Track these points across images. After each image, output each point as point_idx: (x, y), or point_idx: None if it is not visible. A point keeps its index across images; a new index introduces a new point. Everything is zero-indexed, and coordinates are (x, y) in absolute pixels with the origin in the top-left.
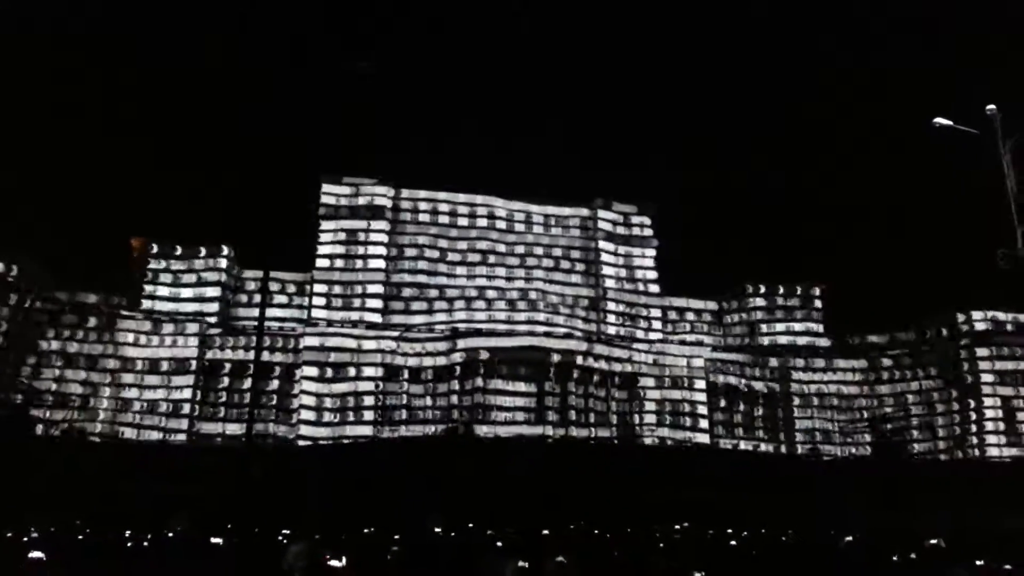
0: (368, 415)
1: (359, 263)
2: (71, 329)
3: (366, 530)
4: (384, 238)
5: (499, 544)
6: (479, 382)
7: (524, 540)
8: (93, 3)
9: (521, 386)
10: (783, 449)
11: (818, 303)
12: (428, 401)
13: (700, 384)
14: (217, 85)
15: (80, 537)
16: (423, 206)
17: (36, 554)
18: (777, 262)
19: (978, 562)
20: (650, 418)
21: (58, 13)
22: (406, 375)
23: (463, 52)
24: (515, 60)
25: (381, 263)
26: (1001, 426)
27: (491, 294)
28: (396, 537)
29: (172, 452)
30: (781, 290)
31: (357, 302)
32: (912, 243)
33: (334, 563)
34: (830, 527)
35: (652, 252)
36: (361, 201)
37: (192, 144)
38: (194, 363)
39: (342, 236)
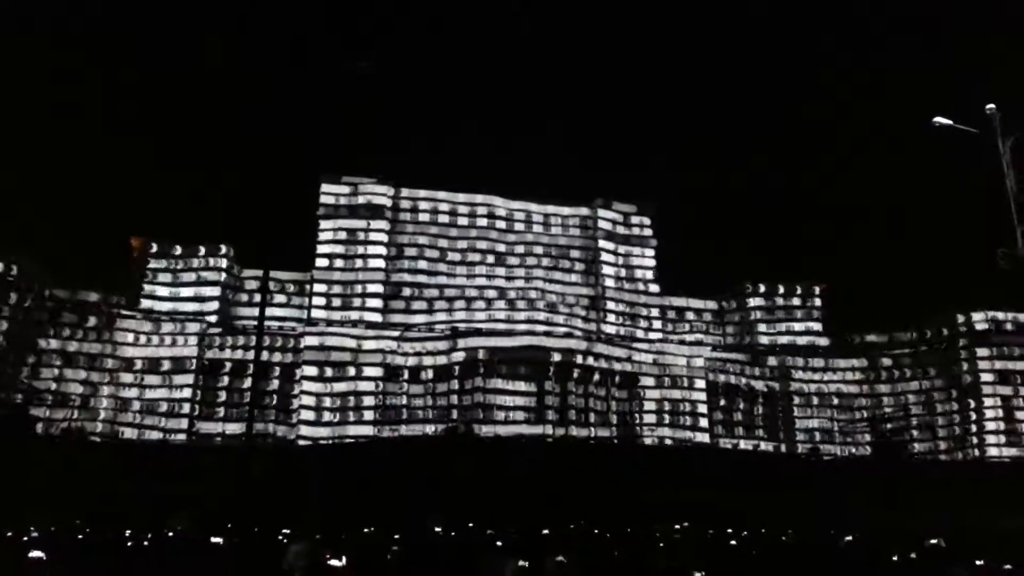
0: (368, 415)
1: (359, 262)
2: (71, 328)
3: (366, 530)
4: (384, 237)
5: (499, 544)
6: (479, 382)
7: (524, 540)
8: (93, 3)
9: (521, 385)
10: (783, 448)
11: (818, 302)
12: (428, 401)
13: (700, 384)
14: (217, 85)
15: (80, 536)
16: (423, 205)
17: (36, 553)
18: (777, 262)
19: (978, 562)
20: (650, 418)
21: (58, 13)
22: (406, 375)
23: (463, 52)
24: (515, 60)
25: (381, 263)
26: (1001, 426)
27: (491, 293)
28: (396, 537)
29: (172, 452)
30: (781, 290)
31: (357, 302)
32: (912, 243)
33: (334, 563)
34: (830, 527)
35: (652, 252)
36: (361, 200)
37: (192, 144)
38: (194, 363)
39: (342, 235)
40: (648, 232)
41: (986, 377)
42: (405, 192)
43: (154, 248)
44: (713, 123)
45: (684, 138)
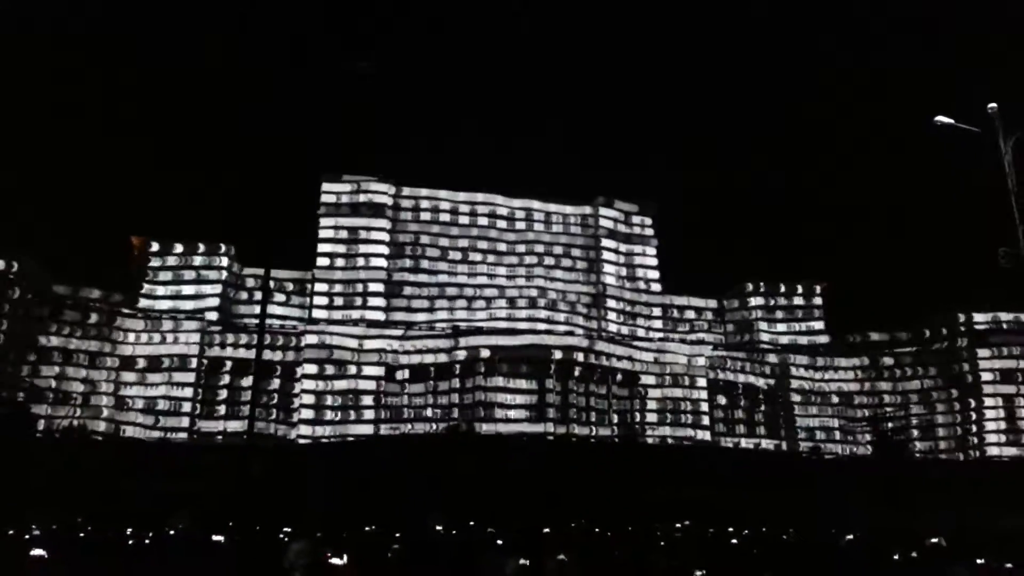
0: (369, 413)
1: (360, 261)
2: (72, 326)
3: (367, 528)
4: (385, 236)
5: (500, 542)
6: (480, 380)
7: (525, 538)
8: (93, 3)
9: (522, 384)
10: (784, 447)
11: (819, 302)
12: (429, 399)
13: (701, 382)
14: (217, 85)
15: (81, 535)
16: (424, 204)
17: (38, 552)
18: (777, 261)
19: (978, 561)
20: (651, 416)
21: (58, 13)
22: (407, 373)
23: (463, 52)
24: (515, 60)
25: (382, 261)
26: (1002, 425)
27: (492, 292)
28: (397, 535)
29: (173, 450)
30: (782, 289)
31: (358, 300)
32: (912, 243)
33: (335, 561)
34: (831, 526)
35: (653, 250)
36: (362, 199)
37: (192, 144)
38: (195, 361)
39: (343, 234)
40: (649, 231)
41: (987, 376)
42: (406, 191)
43: (155, 247)
44: (713, 123)
45: (685, 138)
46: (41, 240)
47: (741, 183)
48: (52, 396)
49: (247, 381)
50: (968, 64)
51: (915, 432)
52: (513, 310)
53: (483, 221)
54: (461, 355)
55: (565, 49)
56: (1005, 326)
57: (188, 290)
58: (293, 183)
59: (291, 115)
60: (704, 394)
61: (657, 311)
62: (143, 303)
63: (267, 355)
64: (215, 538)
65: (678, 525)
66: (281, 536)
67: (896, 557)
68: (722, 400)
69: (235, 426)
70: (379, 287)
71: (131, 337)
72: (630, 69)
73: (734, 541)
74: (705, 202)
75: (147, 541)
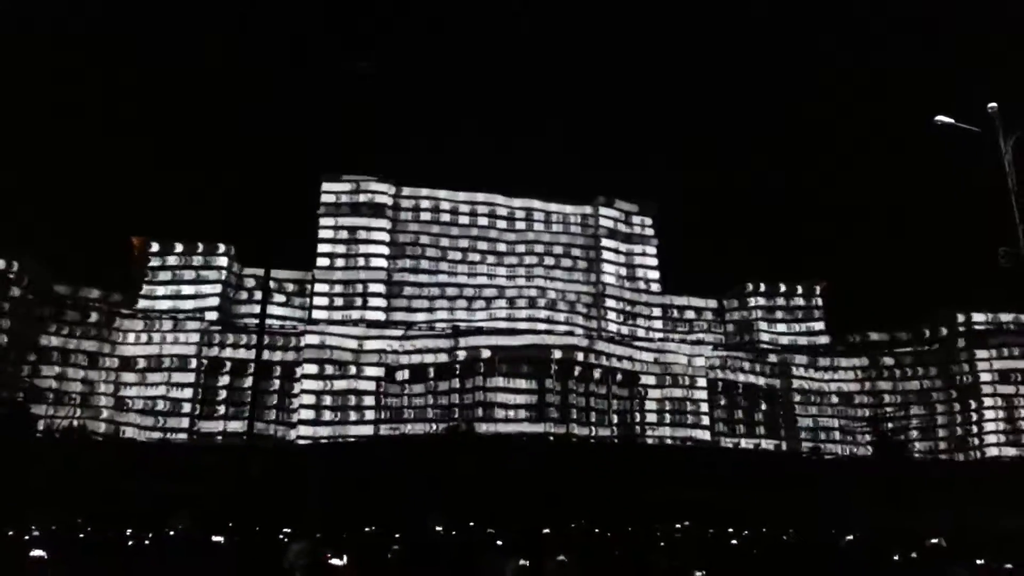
0: (369, 414)
1: (360, 261)
2: (71, 326)
3: (367, 529)
4: (385, 236)
5: (500, 543)
6: (480, 380)
7: (525, 539)
8: (93, 3)
9: (522, 384)
10: (784, 447)
11: (819, 301)
12: (429, 400)
13: (701, 382)
14: (217, 85)
15: (81, 535)
16: (424, 204)
17: (38, 552)
18: (777, 261)
19: (978, 561)
20: (651, 416)
21: (58, 13)
22: (407, 374)
23: (463, 52)
24: (515, 60)
25: (382, 261)
26: (1002, 426)
27: (492, 292)
28: (397, 536)
29: (173, 451)
30: (782, 288)
31: (358, 300)
32: (912, 243)
33: (335, 561)
34: (831, 526)
35: (653, 250)
36: (362, 198)
37: (192, 144)
38: (194, 361)
39: (343, 234)
40: (650, 231)
41: (986, 377)
42: (406, 190)
43: (155, 247)
44: (713, 123)
45: (685, 138)
46: (41, 240)
47: (741, 183)
48: (52, 396)
49: (247, 382)
50: (968, 64)
51: (915, 432)
52: (513, 310)
53: (483, 221)
54: (461, 355)
55: (565, 49)
56: (1005, 326)
57: (188, 290)
58: (293, 183)
59: (291, 115)
60: (704, 394)
61: (657, 311)
62: (143, 303)
63: (267, 355)
64: (215, 539)
65: (678, 525)
66: (281, 537)
67: (896, 557)
68: (722, 400)
69: (235, 427)
70: (379, 287)
71: (131, 337)
72: (630, 69)
73: (734, 542)
74: (705, 202)
75: (147, 542)
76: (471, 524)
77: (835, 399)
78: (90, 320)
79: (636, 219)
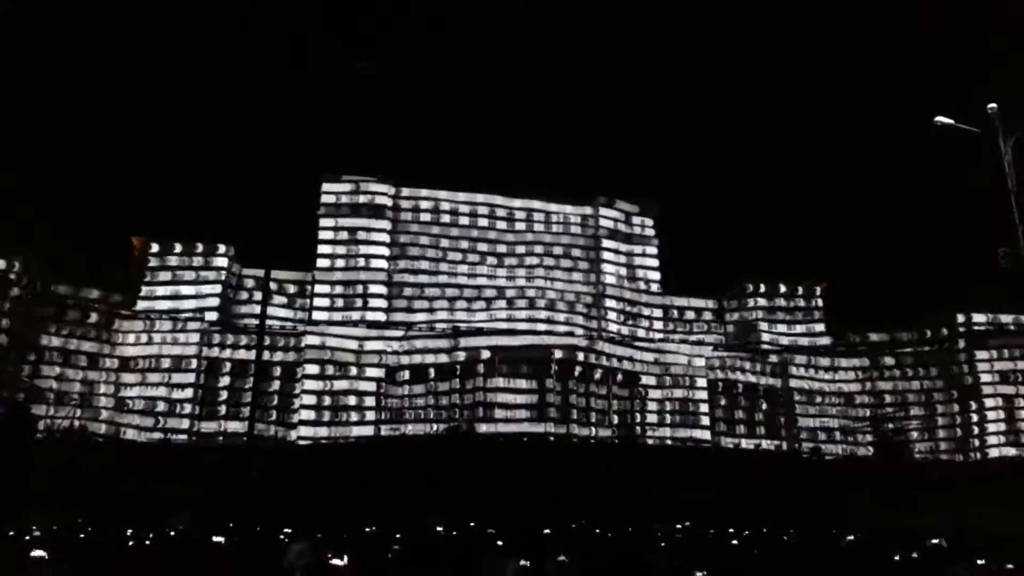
0: (369, 414)
1: (360, 262)
2: (71, 326)
3: (367, 529)
4: (385, 237)
5: (500, 543)
6: (480, 381)
7: (525, 539)
8: (93, 3)
9: (522, 384)
10: (785, 448)
11: (819, 302)
12: (430, 400)
13: (701, 383)
14: (217, 85)
15: (82, 536)
16: (424, 204)
17: (38, 552)
18: (777, 261)
19: (979, 561)
20: (651, 417)
21: (58, 13)
22: (407, 374)
23: (463, 52)
24: (515, 60)
25: (382, 262)
26: (1002, 426)
27: (492, 293)
28: (397, 536)
29: (173, 451)
30: (782, 289)
31: (358, 301)
32: (912, 243)
33: (336, 562)
34: (832, 526)
35: (654, 251)
36: (362, 199)
37: (192, 144)
38: (194, 362)
39: (343, 235)
40: (650, 231)
41: (986, 377)
42: (406, 191)
43: (154, 247)
44: (713, 123)
45: (685, 138)
46: (41, 240)
47: (741, 183)
48: (52, 397)
49: (247, 382)
50: (968, 64)
51: (915, 433)
52: (513, 310)
53: (483, 222)
54: (461, 356)
55: (565, 49)
56: (1005, 327)
57: (188, 290)
58: (293, 183)
59: (291, 115)
60: (704, 394)
61: (657, 311)
62: (143, 304)
63: (267, 356)
64: (215, 539)
65: (679, 526)
66: (281, 537)
67: (897, 558)
68: (722, 401)
69: (235, 427)
70: (379, 288)
71: (131, 338)
72: (630, 69)
73: (735, 542)
74: (705, 202)
75: (147, 542)
76: (471, 524)
77: (835, 399)
78: (90, 320)
79: (636, 219)
